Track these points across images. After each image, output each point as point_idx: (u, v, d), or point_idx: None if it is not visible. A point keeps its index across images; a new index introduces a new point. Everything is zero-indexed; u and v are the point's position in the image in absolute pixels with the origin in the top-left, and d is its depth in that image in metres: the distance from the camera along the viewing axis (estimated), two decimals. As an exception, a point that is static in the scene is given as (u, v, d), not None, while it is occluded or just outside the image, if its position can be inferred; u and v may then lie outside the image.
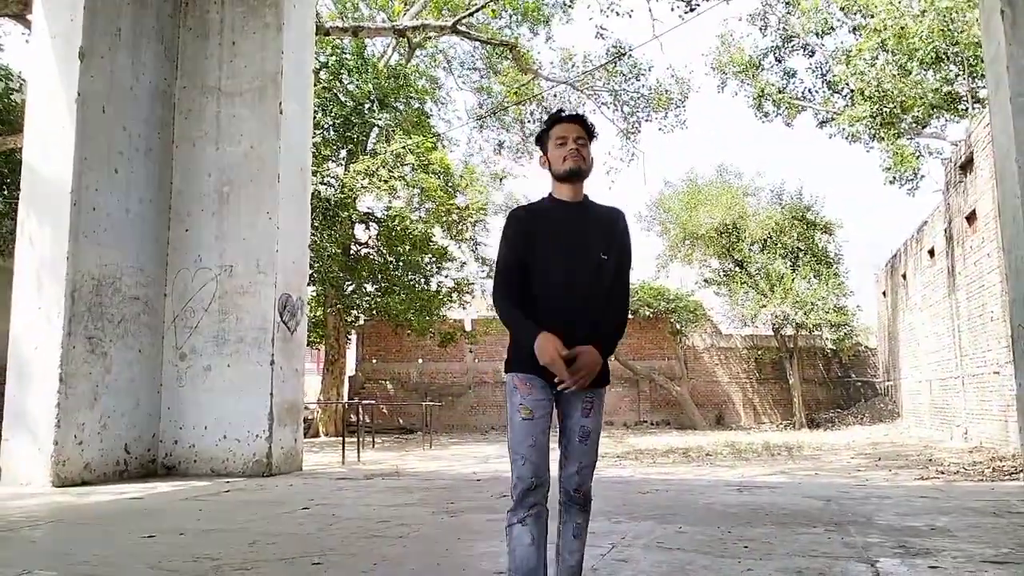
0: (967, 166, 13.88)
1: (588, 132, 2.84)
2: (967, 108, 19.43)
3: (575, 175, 2.79)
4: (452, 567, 3.74)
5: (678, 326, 25.48)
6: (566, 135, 2.79)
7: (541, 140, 2.88)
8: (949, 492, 6.54)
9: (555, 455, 2.63)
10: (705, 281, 26.35)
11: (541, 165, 2.88)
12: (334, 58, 19.58)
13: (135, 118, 7.87)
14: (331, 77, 19.58)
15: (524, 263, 2.76)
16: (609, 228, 2.83)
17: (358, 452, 12.28)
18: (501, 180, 23.02)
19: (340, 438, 13.49)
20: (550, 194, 2.87)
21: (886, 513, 5.16)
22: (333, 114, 19.64)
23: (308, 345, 16.45)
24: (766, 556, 3.80)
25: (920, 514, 5.10)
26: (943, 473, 9.27)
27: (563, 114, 2.88)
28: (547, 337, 2.57)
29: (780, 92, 23.98)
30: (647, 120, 22.38)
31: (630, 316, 26.27)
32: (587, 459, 2.72)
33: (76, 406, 7.00)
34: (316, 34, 11.81)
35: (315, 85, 13.05)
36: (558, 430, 2.73)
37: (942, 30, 18.47)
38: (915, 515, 5.06)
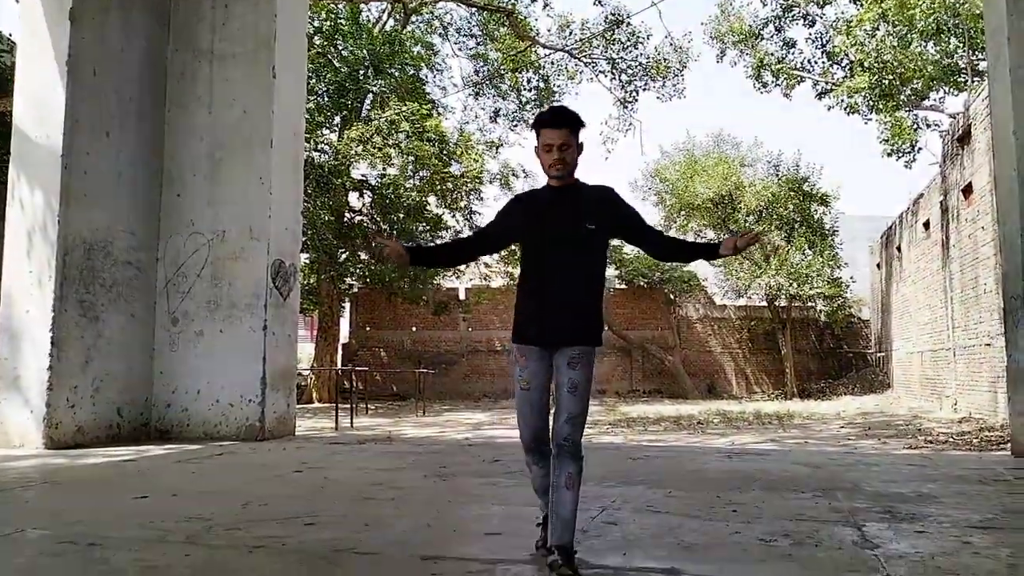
0: (965, 139, 13.84)
1: (574, 130, 3.02)
2: (966, 81, 19.33)
3: (560, 180, 3.07)
4: (443, 528, 3.78)
5: (672, 296, 25.54)
6: (551, 143, 2.99)
7: (534, 129, 3.09)
8: (937, 460, 6.61)
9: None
10: (700, 252, 26.34)
11: (536, 155, 3.08)
12: (328, 23, 19.35)
13: (127, 81, 7.77)
14: (325, 42, 19.35)
15: (491, 234, 3.31)
16: (599, 203, 3.08)
17: (351, 418, 12.35)
18: (497, 149, 22.83)
19: (333, 404, 13.56)
20: (547, 183, 3.15)
21: (873, 480, 5.21)
22: (327, 80, 19.44)
23: (302, 312, 16.47)
24: (754, 519, 3.84)
25: (907, 481, 5.15)
26: (931, 442, 9.38)
27: (548, 117, 3.06)
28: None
29: (779, 62, 23.79)
30: (645, 89, 22.22)
31: (623, 287, 26.39)
32: (575, 408, 2.94)
33: (68, 370, 6.99)
34: (310, -3, 11.65)
35: (309, 50, 12.89)
36: (554, 387, 3.04)
37: (943, 1, 18.30)
38: (902, 482, 5.12)
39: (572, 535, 2.88)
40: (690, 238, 26.21)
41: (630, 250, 25.44)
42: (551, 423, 3.00)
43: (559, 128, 3.00)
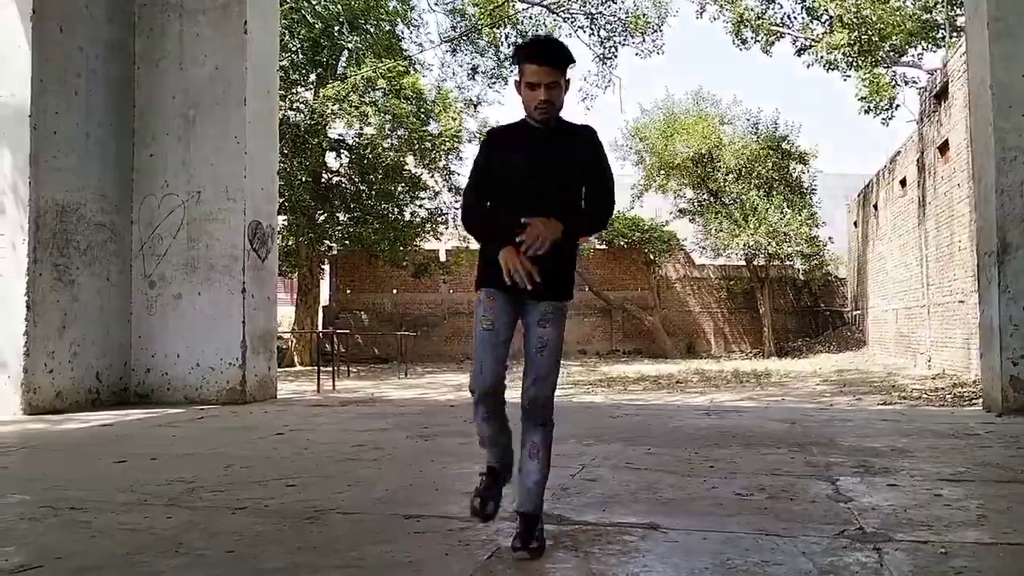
0: (942, 96, 13.88)
1: (563, 68, 2.72)
2: (944, 36, 19.31)
3: (545, 124, 2.76)
4: (425, 487, 3.80)
5: (652, 256, 25.62)
6: (538, 81, 2.68)
7: (518, 63, 2.77)
8: (910, 416, 6.74)
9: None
10: (680, 211, 26.40)
11: (517, 89, 2.77)
12: (302, -23, 18.89)
13: (93, 38, 7.55)
14: (299, -3, 18.92)
15: (492, 177, 2.83)
16: (579, 145, 2.81)
17: (333, 381, 12.37)
18: (475, 106, 22.55)
19: (315, 368, 13.56)
20: (523, 118, 2.82)
21: (848, 435, 5.30)
22: (301, 36, 19.06)
23: (281, 275, 16.36)
24: (731, 475, 3.90)
25: (881, 436, 5.25)
26: (906, 399, 9.56)
27: (535, 51, 2.72)
28: (508, 248, 2.65)
29: (759, 18, 23.60)
30: (624, 44, 22.02)
31: (604, 247, 26.34)
32: (543, 369, 2.71)
33: (45, 334, 6.91)
34: (282, -49, 11.37)
35: (282, 5, 12.61)
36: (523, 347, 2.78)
37: (923, -46, 18.19)
38: (876, 437, 5.22)
39: (537, 504, 2.70)
40: (670, 197, 26.27)
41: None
42: (522, 386, 2.73)
43: (547, 65, 2.67)
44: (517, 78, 2.77)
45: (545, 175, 2.76)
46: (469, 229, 2.96)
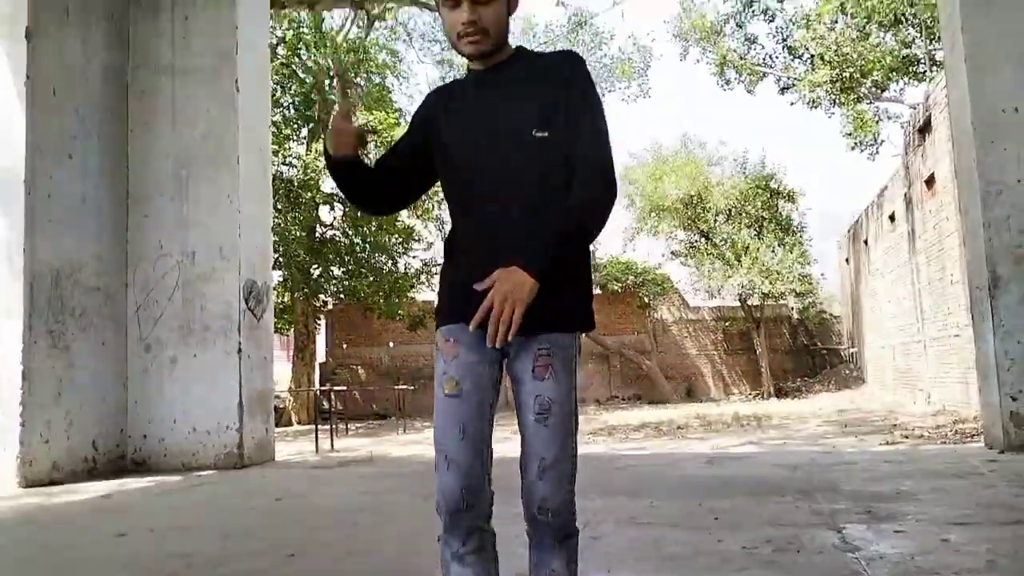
0: (925, 129, 14.08)
1: None
2: (925, 71, 19.67)
3: (478, 58, 1.84)
4: (430, 553, 3.74)
5: (646, 299, 25.66)
6: None
7: None
8: (913, 456, 6.70)
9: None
10: (672, 253, 26.53)
11: (445, 32, 1.89)
12: (291, 32, 19.22)
13: (87, 100, 7.63)
14: (289, 52, 19.23)
15: (406, 151, 1.98)
16: (550, 84, 1.82)
17: (331, 440, 12.24)
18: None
19: (313, 426, 13.42)
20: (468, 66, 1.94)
21: (852, 479, 5.26)
22: (292, 91, 19.32)
23: (276, 332, 16.31)
24: (736, 527, 3.86)
25: (885, 479, 5.22)
26: (907, 437, 9.50)
27: None
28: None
29: (742, 59, 24.06)
30: (610, 90, 22.39)
31: (597, 291, 26.35)
32: (551, 451, 1.72)
33: (41, 403, 6.84)
34: (271, 7, 11.56)
35: (272, 61, 12.82)
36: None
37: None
38: (880, 480, 5.18)
39: None
40: (662, 240, 26.39)
41: (602, 254, 25.56)
42: (522, 481, 1.77)
43: None
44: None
45: (492, 135, 1.80)
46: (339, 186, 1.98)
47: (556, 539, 1.76)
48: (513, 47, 1.90)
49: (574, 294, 1.80)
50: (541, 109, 1.78)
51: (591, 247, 1.94)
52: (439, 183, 1.99)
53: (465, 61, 1.92)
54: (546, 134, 1.76)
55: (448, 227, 2.19)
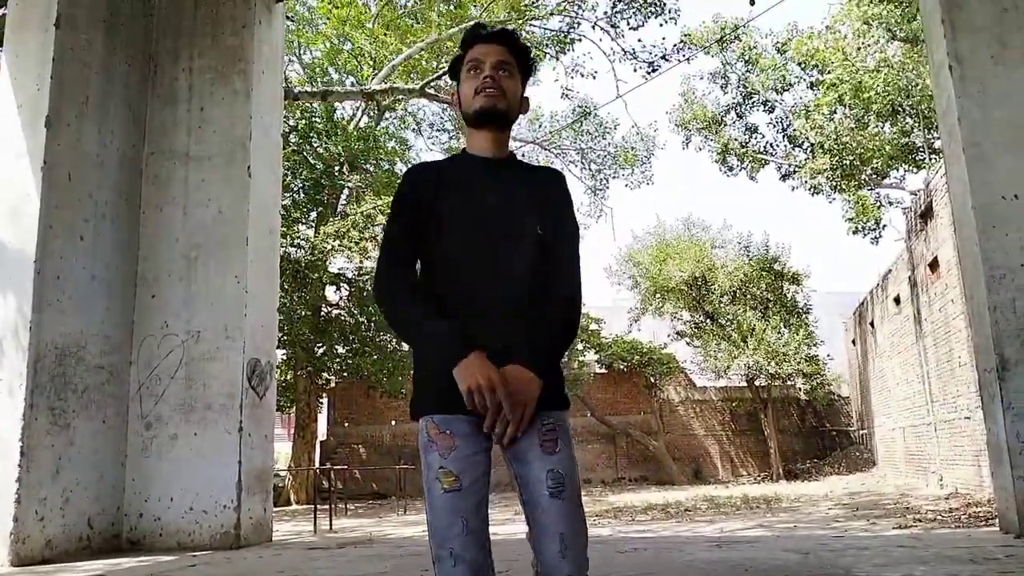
0: (927, 214, 14.25)
1: (517, 58, 2.03)
2: (924, 158, 20.05)
3: (490, 116, 1.97)
4: (426, 638, 3.63)
5: (652, 380, 25.51)
6: (483, 59, 1.98)
7: (455, 69, 2.09)
8: (926, 540, 6.52)
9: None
10: (677, 334, 26.50)
11: (452, 105, 2.15)
12: (304, 121, 19.79)
13: (102, 185, 7.82)
14: (301, 140, 19.75)
15: (416, 239, 1.94)
16: (543, 193, 2.00)
17: (330, 520, 12.01)
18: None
19: (312, 505, 13.19)
20: (464, 149, 2.08)
21: (865, 564, 5.11)
22: (303, 176, 19.75)
23: (278, 410, 16.23)
24: (746, 614, 3.74)
25: (898, 564, 5.07)
26: (920, 521, 9.27)
27: (482, 31, 2.05)
28: (479, 355, 1.73)
29: (743, 147, 24.61)
30: (614, 177, 22.82)
31: (603, 371, 26.25)
32: (572, 525, 1.72)
33: (38, 480, 6.77)
34: (285, 99, 11.94)
35: (285, 148, 13.16)
36: (518, 494, 1.82)
37: (896, 84, 19.15)
38: (893, 565, 5.03)
39: None
40: (667, 320, 26.41)
41: (608, 333, 25.53)
42: (540, 557, 1.76)
43: (495, 43, 2.00)
44: (456, 89, 2.10)
45: (500, 221, 1.91)
46: (398, 326, 1.92)
47: None
48: (509, 150, 2.07)
49: (559, 376, 1.90)
50: (540, 213, 1.96)
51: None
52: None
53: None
54: (543, 233, 1.93)
55: None
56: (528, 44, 2.13)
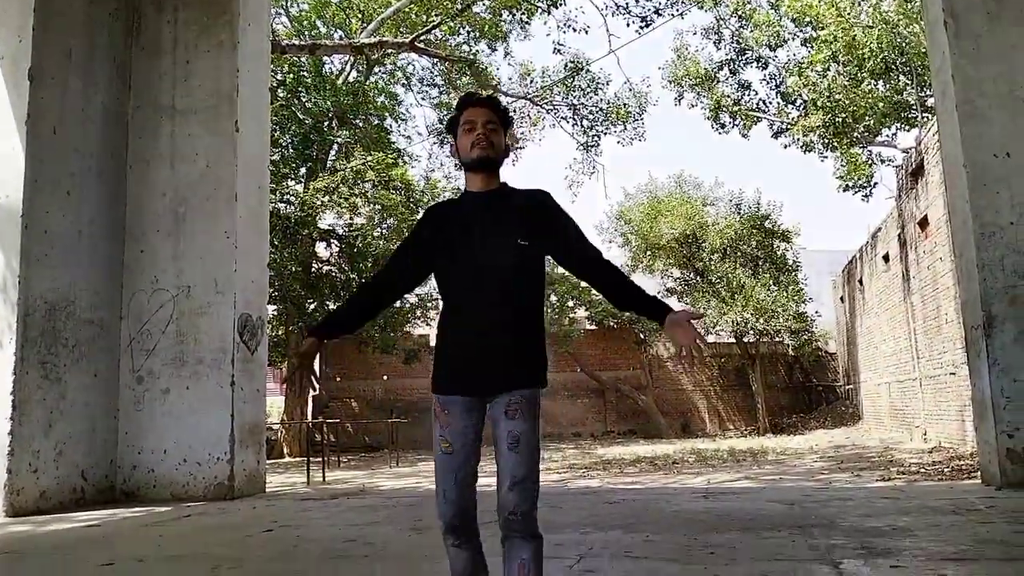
0: (918, 172, 14.24)
1: (500, 117, 2.65)
2: (916, 116, 19.96)
3: (483, 164, 2.59)
4: (419, 585, 3.70)
5: (642, 336, 25.65)
6: (475, 120, 2.59)
7: (452, 127, 2.69)
8: (910, 492, 6.66)
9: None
10: (667, 291, 26.56)
11: (452, 155, 2.74)
12: (291, 76, 19.46)
13: (87, 139, 7.72)
14: (289, 95, 19.45)
15: (402, 268, 2.77)
16: (532, 211, 2.60)
17: (323, 472, 12.14)
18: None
19: (305, 458, 13.32)
20: (465, 188, 2.71)
21: (849, 515, 5.23)
22: (291, 132, 19.49)
23: (270, 365, 16.23)
24: (732, 562, 3.83)
25: (882, 515, 5.18)
26: (904, 474, 9.45)
27: (473, 98, 2.69)
28: (309, 338, 2.92)
29: (736, 104, 24.39)
30: (606, 133, 22.60)
31: (593, 327, 26.39)
32: (520, 471, 2.36)
33: (30, 433, 6.80)
34: (273, 52, 11.72)
35: (272, 103, 12.95)
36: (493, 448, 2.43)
37: (890, 41, 18.97)
38: (877, 516, 5.14)
39: None
40: (657, 278, 26.48)
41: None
42: (497, 495, 2.41)
43: (482, 107, 2.63)
44: (453, 142, 2.69)
45: (486, 244, 2.53)
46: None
47: (523, 536, 2.37)
48: (499, 182, 2.65)
49: (533, 361, 2.51)
50: (525, 227, 2.53)
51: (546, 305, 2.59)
52: (437, 279, 2.66)
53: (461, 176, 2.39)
54: (527, 243, 2.51)
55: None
56: (506, 107, 2.75)
